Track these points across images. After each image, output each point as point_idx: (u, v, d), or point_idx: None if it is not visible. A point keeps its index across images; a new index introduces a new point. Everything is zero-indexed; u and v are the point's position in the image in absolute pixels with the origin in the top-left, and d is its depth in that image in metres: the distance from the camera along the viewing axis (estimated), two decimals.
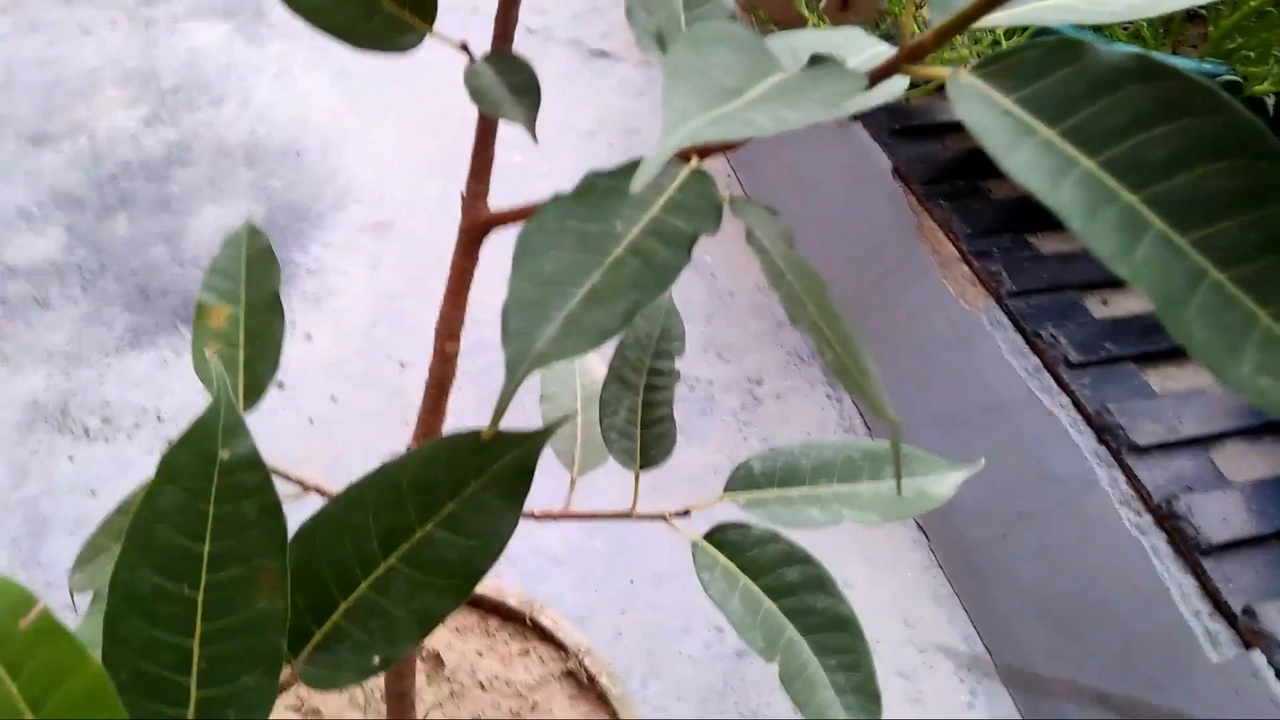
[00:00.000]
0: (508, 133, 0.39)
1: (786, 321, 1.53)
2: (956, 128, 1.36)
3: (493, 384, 1.36)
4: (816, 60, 0.25)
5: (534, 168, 1.63)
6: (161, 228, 1.56)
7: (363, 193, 1.67)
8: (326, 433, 1.31)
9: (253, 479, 0.33)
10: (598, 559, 1.22)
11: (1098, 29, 1.17)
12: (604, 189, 0.27)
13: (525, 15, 1.31)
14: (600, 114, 1.84)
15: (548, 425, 0.34)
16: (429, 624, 0.34)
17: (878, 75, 0.27)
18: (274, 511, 0.33)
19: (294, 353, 1.40)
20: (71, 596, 0.48)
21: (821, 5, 1.56)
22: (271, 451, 1.20)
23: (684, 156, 0.29)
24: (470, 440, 0.33)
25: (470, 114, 0.37)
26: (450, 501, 0.33)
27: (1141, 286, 0.20)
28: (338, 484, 1.20)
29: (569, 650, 0.84)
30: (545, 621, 0.86)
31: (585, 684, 0.83)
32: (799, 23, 1.58)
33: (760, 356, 1.47)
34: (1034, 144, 0.22)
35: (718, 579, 0.46)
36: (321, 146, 1.74)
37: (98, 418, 1.30)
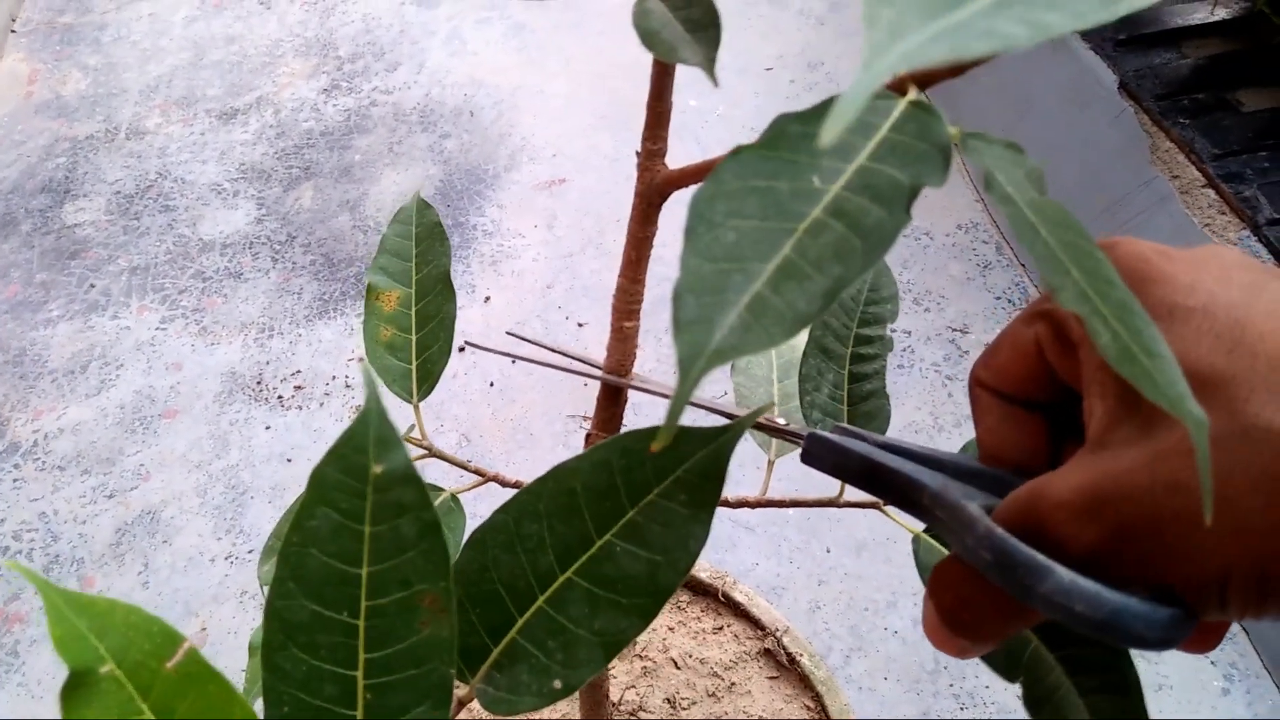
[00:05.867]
0: (683, 75, 0.34)
1: (993, 263, 1.39)
2: (1198, 31, 1.17)
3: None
4: None
5: (711, 112, 1.56)
6: (344, 196, 1.60)
7: (536, 150, 1.65)
8: (507, 395, 1.31)
9: (408, 495, 0.29)
10: (791, 526, 1.16)
11: None
12: (796, 135, 0.21)
13: None
14: (778, 48, 1.74)
15: (740, 420, 0.28)
16: (613, 646, 0.31)
17: None
18: (433, 530, 0.29)
19: (474, 315, 1.41)
20: (262, 588, 0.46)
21: None
22: (455, 415, 1.19)
23: (894, 87, 0.23)
24: (648, 439, 0.28)
25: (641, 59, 0.31)
26: (630, 510, 0.30)
27: None
28: (520, 451, 1.17)
29: (766, 628, 0.79)
30: (739, 597, 0.81)
31: (785, 665, 0.78)
32: None
33: (964, 303, 1.35)
34: None
35: None
36: (494, 105, 1.74)
37: (290, 386, 1.35)
